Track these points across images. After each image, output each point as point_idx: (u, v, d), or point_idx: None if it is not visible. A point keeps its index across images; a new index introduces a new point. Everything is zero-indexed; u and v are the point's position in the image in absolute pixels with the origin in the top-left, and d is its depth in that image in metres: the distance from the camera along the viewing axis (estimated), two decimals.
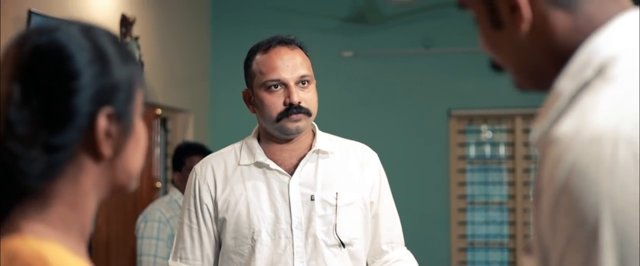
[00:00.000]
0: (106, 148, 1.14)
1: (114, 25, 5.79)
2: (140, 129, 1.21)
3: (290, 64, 2.56)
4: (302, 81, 2.58)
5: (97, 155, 1.14)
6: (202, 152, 4.89)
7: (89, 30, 1.16)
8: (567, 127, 1.03)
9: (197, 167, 2.68)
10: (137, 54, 6.00)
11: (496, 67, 1.22)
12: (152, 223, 4.64)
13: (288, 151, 2.60)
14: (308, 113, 2.59)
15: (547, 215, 1.03)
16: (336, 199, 2.56)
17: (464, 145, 7.10)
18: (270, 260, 2.49)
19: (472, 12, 1.19)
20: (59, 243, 1.11)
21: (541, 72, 1.15)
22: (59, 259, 1.08)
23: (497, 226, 7.07)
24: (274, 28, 7.32)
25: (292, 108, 2.53)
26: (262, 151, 2.60)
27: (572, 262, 0.99)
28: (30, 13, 4.42)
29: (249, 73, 2.64)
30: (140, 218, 4.77)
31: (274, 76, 2.54)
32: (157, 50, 6.54)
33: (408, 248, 2.80)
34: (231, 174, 2.61)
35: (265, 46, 2.61)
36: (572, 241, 0.99)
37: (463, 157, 7.11)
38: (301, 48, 2.66)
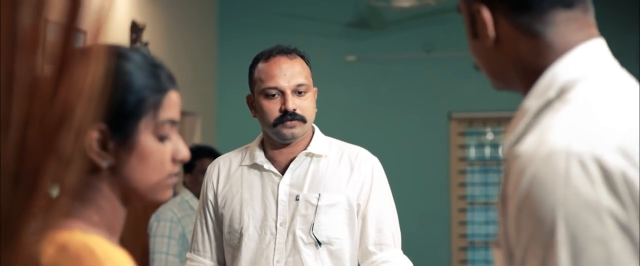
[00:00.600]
0: (99, 160, 1.26)
1: (124, 32, 5.88)
2: (148, 147, 1.30)
3: (288, 73, 2.68)
4: (299, 89, 2.68)
5: (96, 167, 1.26)
6: (211, 154, 5.01)
7: (114, 55, 1.27)
8: (528, 143, 1.20)
9: (208, 167, 2.89)
10: None
11: (477, 68, 1.41)
12: (165, 222, 4.74)
13: (285, 154, 2.73)
14: (303, 120, 2.67)
15: (512, 218, 1.20)
16: (318, 200, 2.66)
17: (464, 146, 7.16)
18: (255, 253, 2.65)
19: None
20: (99, 236, 1.26)
21: (507, 79, 1.35)
22: (102, 248, 1.22)
23: (496, 226, 7.08)
24: (279, 33, 7.43)
25: (287, 115, 2.64)
26: (262, 153, 2.76)
27: (534, 256, 1.16)
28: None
29: (252, 80, 2.80)
30: (153, 218, 4.86)
31: (272, 84, 2.68)
32: (165, 55, 6.59)
33: (409, 246, 2.87)
34: (233, 173, 2.80)
35: (267, 55, 2.75)
36: (534, 239, 1.16)
37: (463, 159, 7.17)
38: (302, 57, 2.77)
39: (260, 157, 2.75)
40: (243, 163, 2.79)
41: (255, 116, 2.83)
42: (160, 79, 1.36)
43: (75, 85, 1.01)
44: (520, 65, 1.30)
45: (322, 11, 7.41)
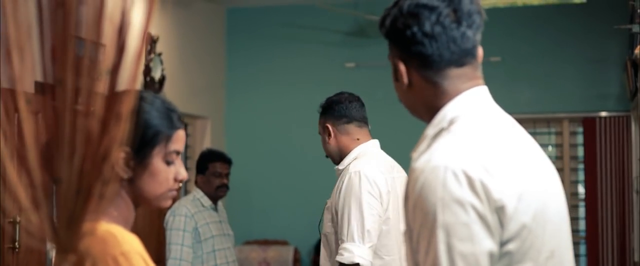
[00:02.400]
0: (122, 173, 1.68)
1: (139, 43, 6.16)
2: (157, 168, 1.74)
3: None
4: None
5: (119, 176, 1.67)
6: (222, 158, 5.29)
7: (140, 98, 1.70)
8: (422, 161, 1.67)
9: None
10: (160, 68, 6.38)
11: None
12: (180, 217, 5.02)
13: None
14: (327, 155, 3.74)
15: (410, 211, 1.67)
16: (325, 204, 3.59)
17: None
18: None
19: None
20: (118, 226, 1.71)
21: (418, 112, 1.82)
22: (120, 233, 1.68)
23: None
24: (283, 42, 7.73)
25: None
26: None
27: (423, 237, 1.62)
28: None
29: (336, 114, 3.75)
30: (169, 213, 5.13)
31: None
32: (178, 64, 6.86)
33: None
34: None
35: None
36: (423, 225, 1.63)
37: None
38: (321, 112, 3.73)
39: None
40: None
41: (329, 142, 3.71)
42: (172, 120, 1.77)
43: (115, 132, 1.45)
44: (426, 104, 1.78)
45: (323, 21, 7.60)
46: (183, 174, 1.79)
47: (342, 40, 7.68)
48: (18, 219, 4.45)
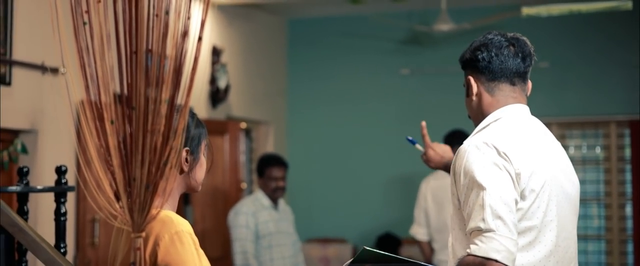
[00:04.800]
0: (185, 167, 2.13)
1: (206, 55, 6.34)
2: (203, 159, 2.19)
3: None
4: None
5: (181, 171, 2.12)
6: (278, 163, 5.51)
7: (191, 114, 2.08)
8: (467, 141, 2.35)
9: None
10: (226, 77, 6.57)
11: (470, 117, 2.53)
12: (241, 215, 5.30)
13: None
14: None
15: (458, 175, 2.30)
16: None
17: None
18: None
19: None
20: (172, 211, 2.09)
21: (477, 120, 2.46)
22: (176, 217, 2.05)
23: (591, 220, 7.31)
24: (341, 50, 7.86)
25: None
26: None
27: (469, 191, 2.25)
28: None
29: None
30: (232, 212, 5.41)
31: None
32: (242, 73, 7.02)
33: None
34: None
35: None
36: (468, 184, 2.25)
37: None
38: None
39: None
40: None
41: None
42: (202, 125, 2.20)
43: (173, 143, 1.75)
44: (483, 112, 2.46)
45: (379, 30, 7.68)
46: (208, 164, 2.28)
47: (397, 48, 7.75)
48: (97, 217, 4.68)
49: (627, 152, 7.16)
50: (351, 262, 2.19)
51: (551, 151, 2.41)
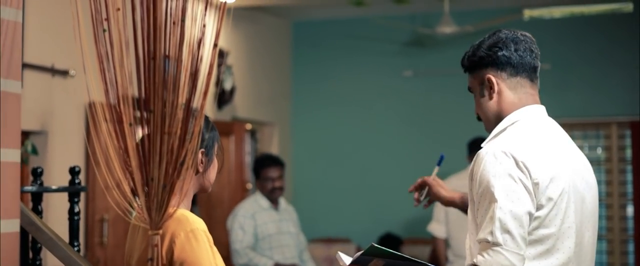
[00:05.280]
0: (200, 168, 2.22)
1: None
2: (215, 161, 2.28)
3: None
4: None
5: (196, 171, 2.20)
6: (274, 163, 5.37)
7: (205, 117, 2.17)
8: (486, 147, 2.28)
9: None
10: (231, 79, 6.63)
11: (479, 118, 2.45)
12: (239, 217, 5.23)
13: None
14: None
15: (475, 182, 2.26)
16: None
17: None
18: None
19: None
20: (187, 209, 2.18)
21: (490, 123, 2.39)
22: (191, 215, 2.13)
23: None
24: (344, 52, 7.91)
25: None
26: None
27: (484, 200, 2.22)
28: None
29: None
30: (231, 215, 5.37)
31: None
32: (247, 75, 7.08)
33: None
34: None
35: None
36: (483, 193, 2.22)
37: None
38: None
39: None
40: None
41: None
42: (215, 129, 2.30)
43: (189, 145, 1.86)
44: (500, 112, 2.37)
45: (382, 33, 7.75)
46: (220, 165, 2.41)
47: (400, 50, 7.82)
48: (106, 217, 4.74)
49: (628, 153, 7.23)
50: (361, 254, 2.25)
51: (569, 155, 2.35)
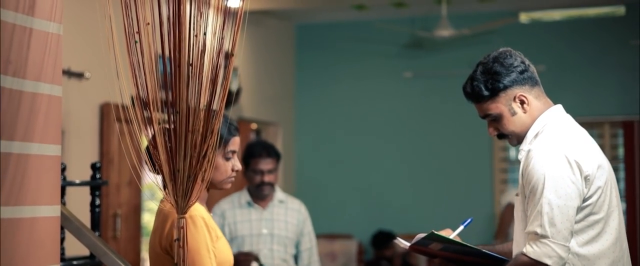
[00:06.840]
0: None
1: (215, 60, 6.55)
2: (218, 163, 2.43)
3: None
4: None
5: None
6: (266, 153, 4.37)
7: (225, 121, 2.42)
8: (535, 147, 2.46)
9: None
10: (237, 80, 6.84)
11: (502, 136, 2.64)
12: (214, 215, 4.22)
13: None
14: None
15: (525, 179, 2.46)
16: None
17: (505, 149, 7.72)
18: None
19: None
20: (199, 203, 2.40)
21: (519, 135, 2.58)
22: (199, 207, 2.37)
23: None
24: (346, 54, 8.12)
25: None
26: None
27: (533, 193, 2.41)
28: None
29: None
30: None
31: None
32: (252, 76, 7.28)
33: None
34: None
35: None
36: (531, 191, 2.43)
37: (505, 159, 7.76)
38: None
39: None
40: None
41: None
42: (231, 130, 2.52)
43: (210, 141, 2.07)
44: (529, 122, 2.56)
45: (382, 35, 7.92)
46: (238, 166, 2.55)
47: (400, 52, 8.00)
48: (118, 212, 4.97)
49: (621, 152, 7.43)
50: (422, 238, 2.52)
51: (595, 147, 2.54)
